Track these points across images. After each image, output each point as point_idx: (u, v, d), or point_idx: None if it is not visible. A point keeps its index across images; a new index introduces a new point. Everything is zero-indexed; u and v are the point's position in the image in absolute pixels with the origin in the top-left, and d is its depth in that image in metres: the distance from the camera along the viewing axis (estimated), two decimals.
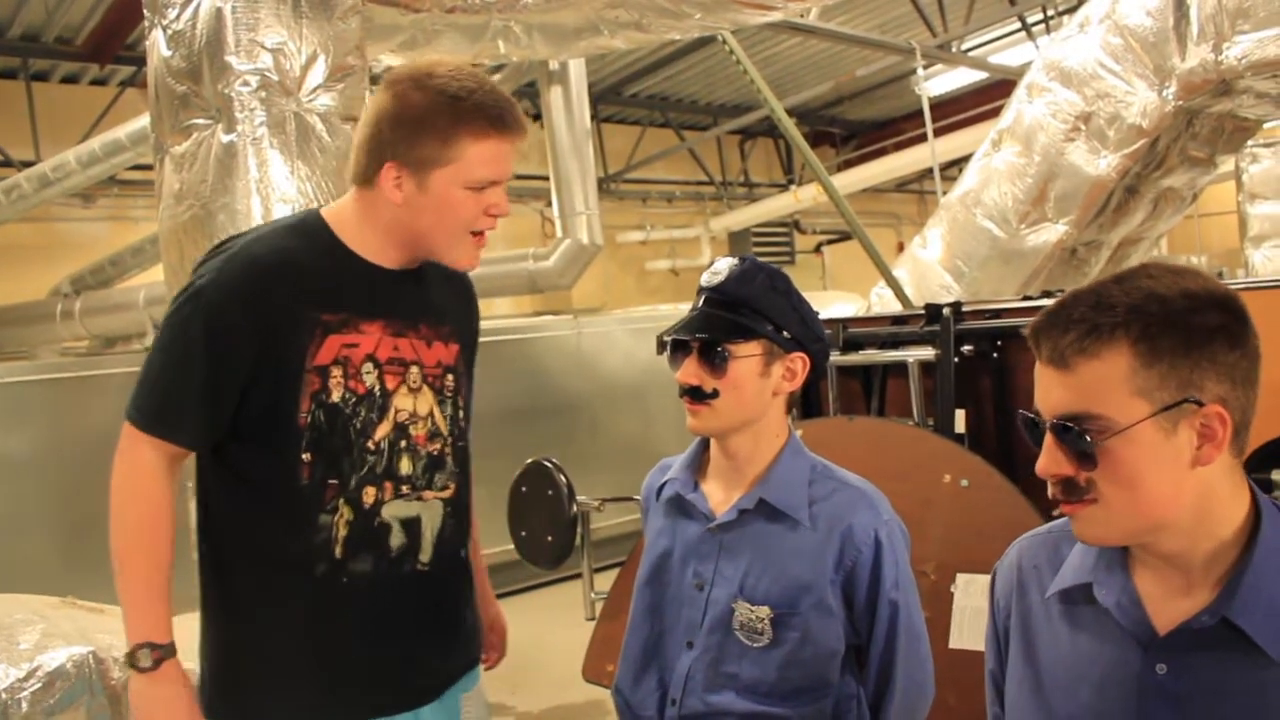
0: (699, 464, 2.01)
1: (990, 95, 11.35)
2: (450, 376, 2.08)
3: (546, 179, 8.20)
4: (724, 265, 1.93)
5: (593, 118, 8.90)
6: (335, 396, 1.88)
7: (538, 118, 8.54)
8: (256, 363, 1.84)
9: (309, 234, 1.94)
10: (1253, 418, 1.29)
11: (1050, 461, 1.29)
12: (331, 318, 1.88)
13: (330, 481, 1.89)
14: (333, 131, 3.32)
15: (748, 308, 1.86)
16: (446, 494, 2.06)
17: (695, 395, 1.86)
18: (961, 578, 2.72)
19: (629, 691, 2.01)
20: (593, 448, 7.95)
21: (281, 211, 3.21)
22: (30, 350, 9.24)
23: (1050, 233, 6.73)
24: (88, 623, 3.09)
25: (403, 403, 1.97)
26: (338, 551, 1.90)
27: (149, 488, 1.87)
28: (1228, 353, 1.25)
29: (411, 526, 1.99)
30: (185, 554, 1.95)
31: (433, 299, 2.05)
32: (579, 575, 4.00)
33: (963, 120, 11.24)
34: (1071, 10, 9.53)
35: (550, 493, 3.77)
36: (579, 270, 8.40)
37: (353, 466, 1.91)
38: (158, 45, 3.37)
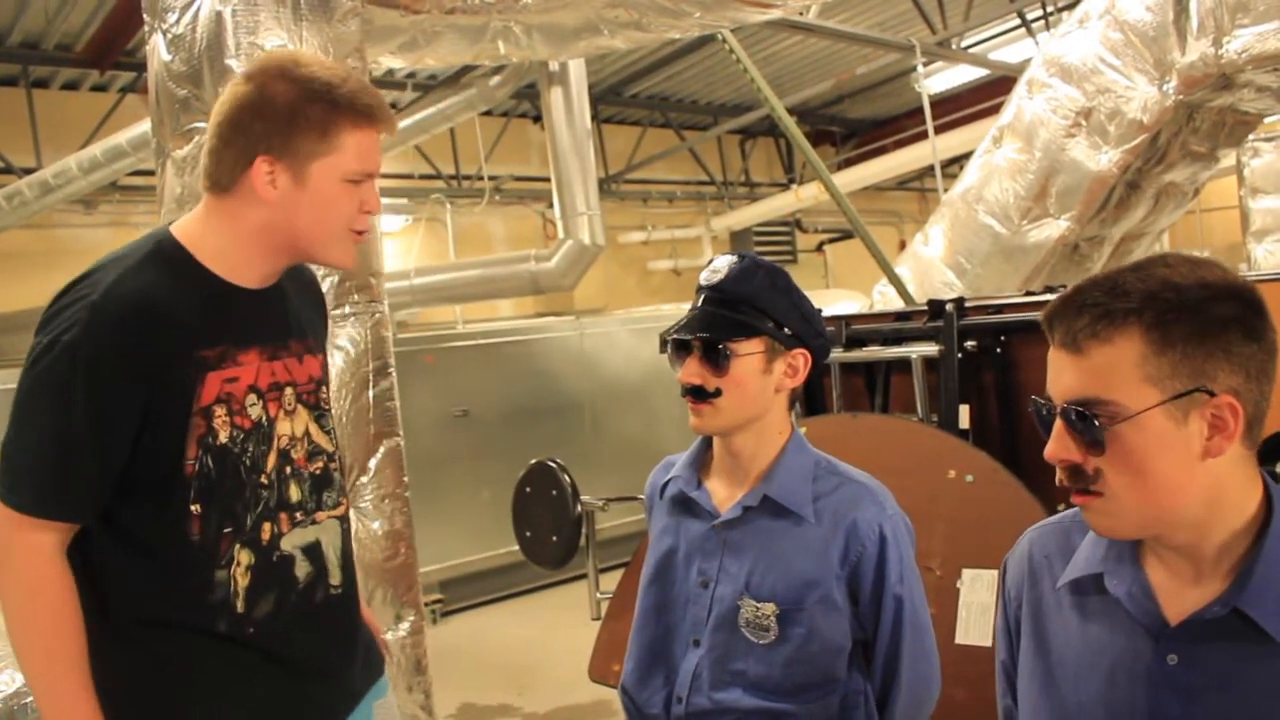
0: (702, 462, 2.01)
1: (990, 92, 11.34)
2: (322, 389, 1.99)
3: (547, 180, 8.19)
4: (723, 263, 1.93)
5: (593, 118, 8.90)
6: (223, 437, 1.77)
7: (538, 119, 8.53)
8: (143, 417, 1.70)
9: (168, 263, 1.78)
10: (1267, 410, 1.28)
11: (1059, 447, 1.28)
12: (210, 353, 1.76)
13: (225, 530, 1.79)
14: None
15: (748, 305, 1.87)
16: (339, 511, 1.98)
17: (698, 395, 1.86)
18: (967, 573, 2.72)
19: (635, 690, 2.01)
20: (596, 448, 7.97)
21: None
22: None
23: (1052, 229, 6.73)
24: None
25: (282, 428, 1.87)
26: (239, 606, 1.80)
27: (46, 575, 1.70)
28: (1243, 344, 1.24)
29: (313, 552, 1.91)
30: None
31: (295, 312, 1.96)
32: (584, 575, 4.00)
33: (963, 117, 11.24)
34: (1071, 6, 9.52)
35: (554, 493, 3.77)
36: (581, 271, 8.40)
37: (246, 507, 1.81)
38: (158, 50, 3.37)
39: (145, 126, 6.62)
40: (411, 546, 3.40)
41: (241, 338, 1.81)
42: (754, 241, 14.85)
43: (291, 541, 1.87)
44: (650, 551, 2.05)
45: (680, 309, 10.41)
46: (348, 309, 3.30)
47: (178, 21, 3.30)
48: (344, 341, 3.28)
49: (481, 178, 12.03)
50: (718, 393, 1.85)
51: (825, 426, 3.32)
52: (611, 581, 3.73)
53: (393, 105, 11.00)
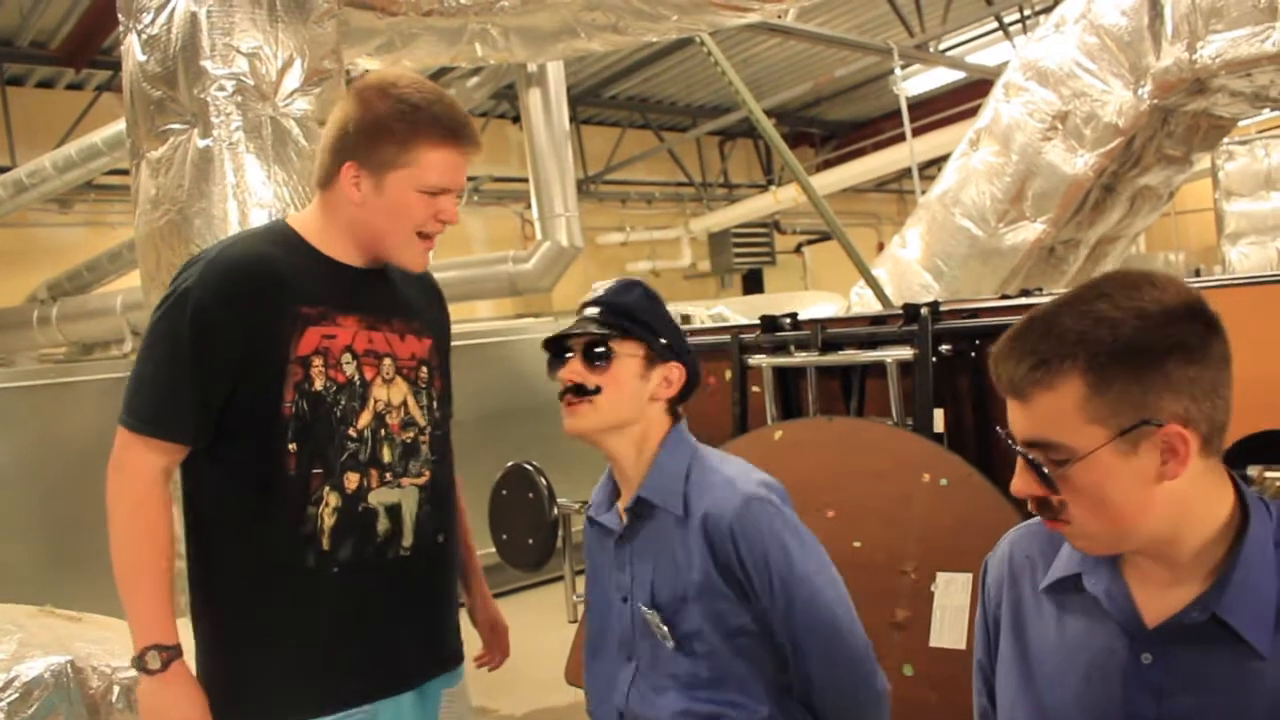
0: (613, 486, 2.05)
1: (968, 95, 11.40)
2: (424, 369, 2.16)
3: (526, 181, 8.19)
4: (603, 284, 2.04)
5: (572, 119, 8.90)
6: (318, 385, 1.96)
7: (516, 120, 8.52)
8: (243, 358, 1.91)
9: (280, 238, 2.03)
10: (1228, 419, 1.29)
11: (1023, 483, 1.32)
12: (310, 310, 1.97)
13: (315, 471, 1.96)
14: (309, 135, 3.31)
15: (627, 316, 1.93)
16: (421, 480, 2.13)
17: (578, 391, 1.91)
18: (941, 576, 2.73)
19: (593, 707, 2.06)
20: (573, 450, 7.90)
21: (258, 216, 3.20)
22: (7, 357, 9.19)
23: (1028, 231, 6.78)
24: (65, 632, 3.07)
25: (379, 393, 2.05)
26: (325, 543, 1.97)
27: (150, 493, 1.91)
28: (1184, 369, 1.24)
29: (394, 512, 2.07)
30: None
31: (402, 296, 2.15)
32: (561, 578, 3.99)
33: (941, 120, 11.30)
34: (1048, 10, 9.57)
35: (531, 495, 3.77)
36: (559, 272, 8.39)
37: (336, 454, 1.98)
38: (133, 50, 3.35)
39: (120, 126, 6.58)
40: None
41: (342, 304, 2.02)
42: (733, 243, 14.87)
43: (378, 498, 2.04)
44: (588, 583, 2.13)
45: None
46: None
47: (153, 22, 3.28)
48: None
49: None
50: (597, 390, 1.90)
51: (800, 430, 3.32)
52: None
53: None
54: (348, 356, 2.01)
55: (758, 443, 3.30)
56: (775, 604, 1.81)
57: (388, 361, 2.08)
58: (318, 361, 1.97)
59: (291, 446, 1.94)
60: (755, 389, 3.64)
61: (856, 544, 2.91)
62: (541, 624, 6.33)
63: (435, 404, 2.18)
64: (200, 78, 3.21)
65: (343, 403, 1.99)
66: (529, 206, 8.67)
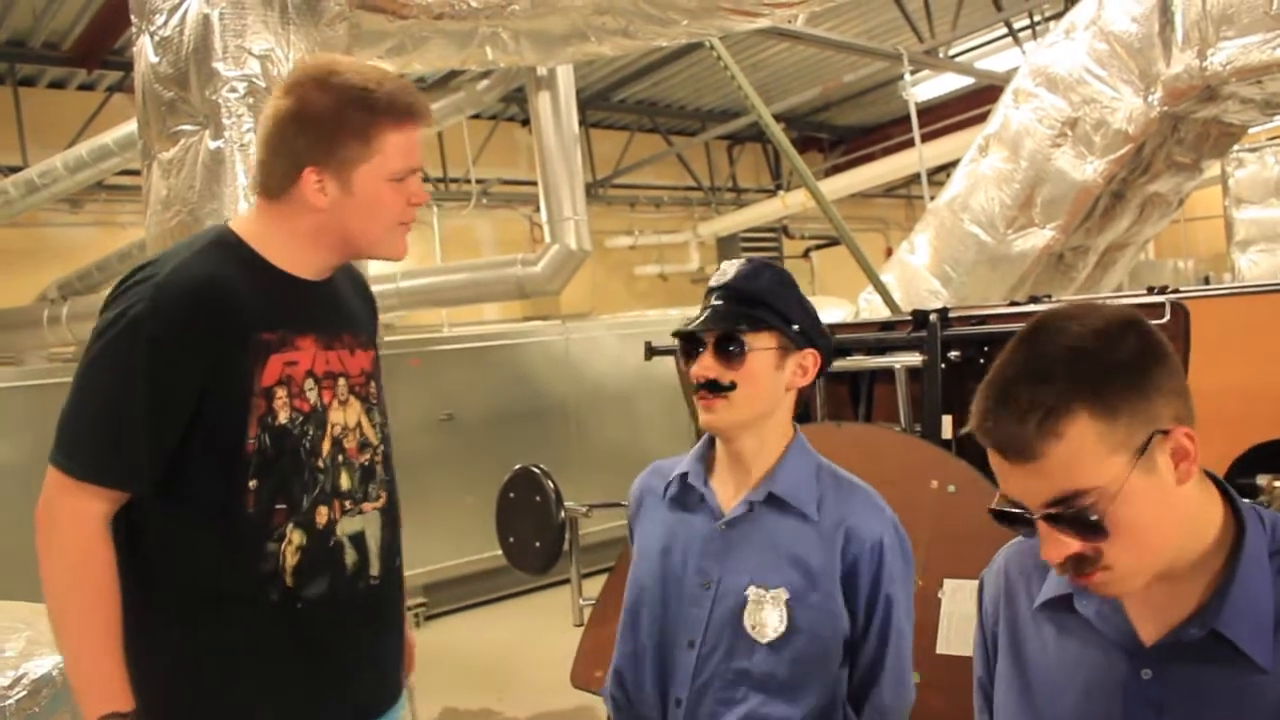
0: (708, 462, 2.00)
1: (977, 101, 11.38)
2: (372, 384, 2.04)
3: (534, 184, 8.19)
4: (731, 266, 1.94)
5: (581, 123, 8.91)
6: (282, 418, 1.83)
7: (526, 123, 8.52)
8: (202, 394, 1.75)
9: (231, 253, 1.85)
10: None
11: (1056, 548, 1.25)
12: (271, 336, 1.82)
13: (279, 507, 1.83)
14: None
15: (759, 302, 1.87)
16: (380, 503, 2.02)
17: (713, 388, 1.86)
18: (949, 583, 2.73)
19: (632, 690, 1.99)
20: (581, 453, 7.96)
21: None
22: (17, 356, 9.21)
23: (1037, 238, 6.76)
24: None
25: (335, 416, 1.93)
26: (288, 580, 1.84)
27: (93, 549, 1.74)
28: (1161, 371, 1.25)
29: (358, 541, 1.96)
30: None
31: (347, 307, 2.02)
32: (567, 580, 4.00)
33: (950, 126, 11.27)
34: (1058, 16, 9.56)
35: (538, 498, 3.77)
36: (567, 276, 8.39)
37: (304, 488, 1.86)
38: (145, 51, 3.36)
39: (132, 126, 6.60)
40: None
41: (299, 324, 1.87)
42: (740, 247, 14.85)
43: (343, 529, 1.92)
44: (639, 552, 2.04)
45: (667, 314, 10.37)
46: None
47: (165, 24, 3.30)
48: None
49: (469, 181, 12.03)
50: (732, 386, 1.85)
51: (809, 435, 3.31)
52: (594, 587, 3.73)
53: None
54: (310, 382, 1.87)
55: None
56: (876, 608, 1.86)
57: (342, 382, 1.94)
58: (281, 392, 1.82)
59: (252, 484, 1.79)
60: None
61: None
62: (547, 627, 6.34)
63: (382, 420, 2.06)
64: (212, 79, 3.22)
65: (310, 433, 1.86)
66: (537, 210, 8.68)
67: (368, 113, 1.80)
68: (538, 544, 3.79)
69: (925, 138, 8.99)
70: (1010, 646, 1.50)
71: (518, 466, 3.92)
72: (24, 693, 2.74)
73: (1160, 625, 1.33)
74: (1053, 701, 1.41)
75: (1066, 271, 7.27)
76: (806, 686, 1.84)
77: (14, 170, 8.73)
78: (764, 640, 1.84)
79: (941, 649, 2.68)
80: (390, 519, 2.04)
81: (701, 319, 1.89)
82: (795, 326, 1.89)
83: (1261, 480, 2.92)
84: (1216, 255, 13.17)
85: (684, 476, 1.99)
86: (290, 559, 1.84)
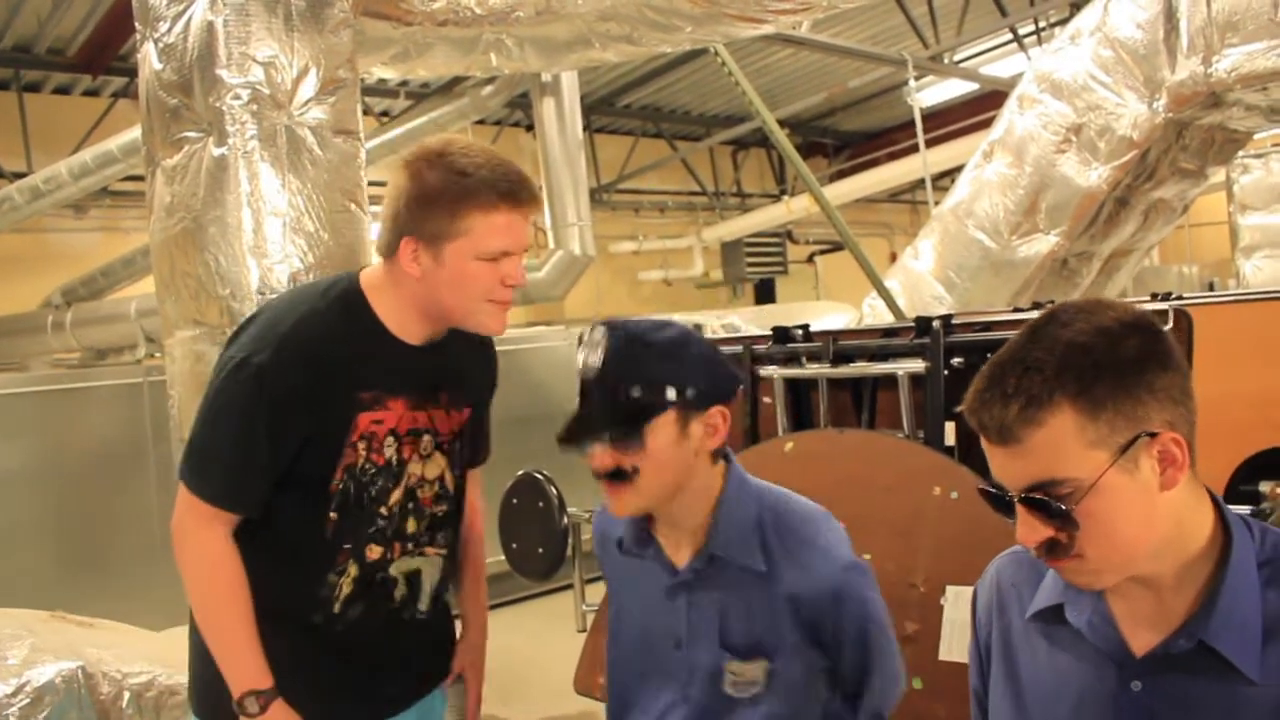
0: (644, 521, 1.92)
1: (982, 106, 11.38)
2: (459, 442, 2.19)
3: (539, 190, 8.20)
4: (596, 350, 1.74)
5: (585, 128, 8.91)
6: (359, 466, 2.01)
7: (530, 128, 8.52)
8: (308, 438, 1.95)
9: (351, 309, 2.02)
10: (1195, 428, 1.30)
11: (1029, 531, 1.28)
12: (367, 395, 1.99)
13: (345, 545, 2.03)
14: (324, 145, 3.31)
15: (640, 382, 1.70)
16: (445, 550, 2.20)
17: (616, 476, 1.74)
18: (951, 590, 2.72)
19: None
20: (584, 459, 7.94)
21: (273, 224, 3.20)
22: (22, 362, 9.23)
23: (1041, 244, 6.76)
24: (76, 637, 3.08)
25: (414, 469, 2.09)
26: (336, 606, 2.03)
27: (224, 557, 1.97)
28: (1160, 376, 1.25)
29: (413, 579, 2.14)
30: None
31: (454, 367, 2.13)
32: (570, 586, 4.00)
33: (955, 131, 11.28)
34: (1063, 22, 9.56)
35: (541, 505, 3.77)
36: (571, 281, 8.40)
37: (364, 529, 2.04)
38: (149, 58, 3.36)
39: (137, 132, 6.60)
40: None
41: (393, 387, 2.03)
42: (745, 252, 14.86)
43: (398, 567, 2.11)
44: (611, 604, 2.02)
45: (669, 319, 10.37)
46: None
47: (169, 30, 3.29)
48: None
49: None
50: (636, 471, 1.72)
51: (812, 441, 3.32)
52: (597, 593, 3.72)
53: (385, 114, 11.02)
54: (390, 439, 2.04)
55: (768, 454, 3.30)
56: (854, 661, 1.81)
57: (427, 438, 2.10)
58: (362, 446, 2.00)
59: (333, 515, 2.00)
60: (766, 400, 3.64)
61: (866, 556, 2.88)
62: (550, 632, 6.33)
63: (460, 472, 2.22)
64: (216, 86, 3.22)
65: (379, 484, 2.04)
66: (542, 215, 8.69)
67: (460, 193, 1.90)
68: (541, 550, 3.79)
69: (930, 143, 9.00)
70: (1003, 658, 1.51)
71: (521, 472, 3.92)
72: (27, 700, 2.74)
73: (1150, 637, 1.33)
74: (1045, 713, 1.42)
75: (1070, 277, 7.27)
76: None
77: (19, 176, 8.75)
78: (744, 696, 1.80)
79: (944, 656, 2.67)
80: (451, 563, 2.23)
81: (580, 426, 1.74)
82: (690, 393, 1.72)
83: (1264, 487, 2.92)
84: (1221, 261, 13.16)
85: (624, 538, 1.92)
86: (345, 589, 2.04)
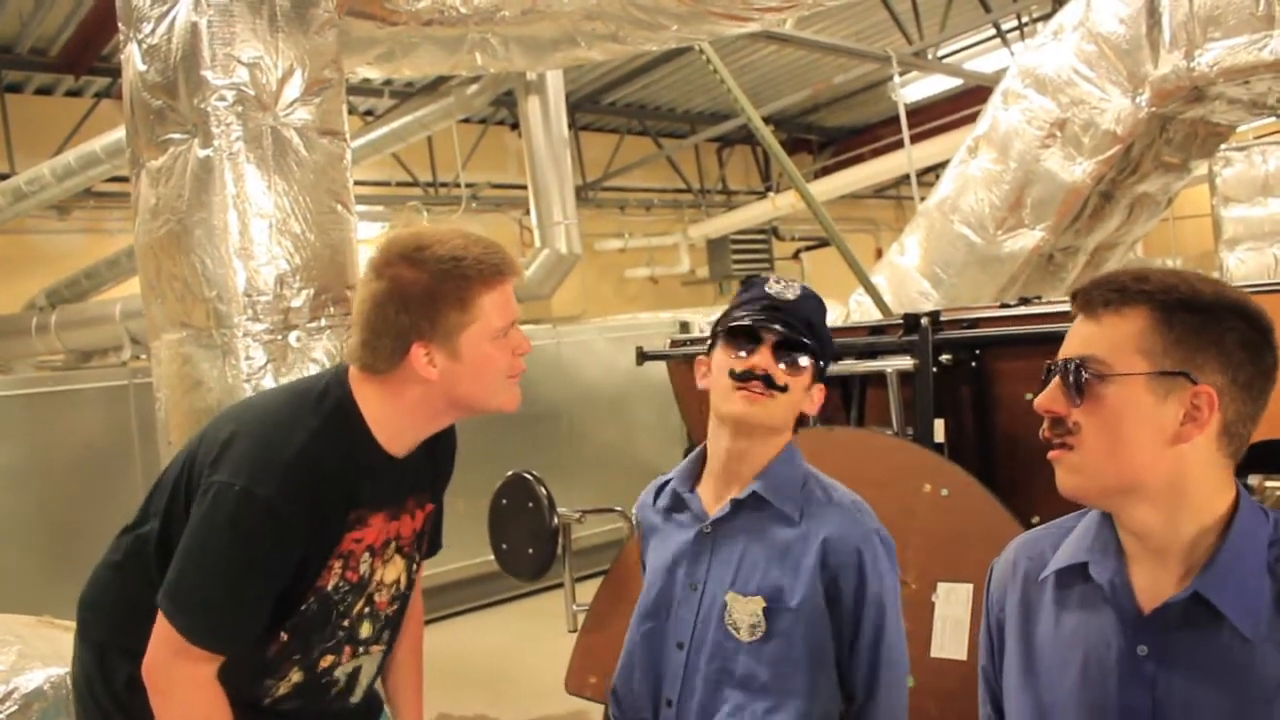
0: (696, 473, 2.04)
1: (966, 102, 11.40)
2: (420, 540, 2.15)
3: (524, 188, 8.20)
4: (790, 285, 1.96)
5: (571, 126, 8.91)
6: (330, 585, 1.93)
7: (515, 126, 8.52)
8: (299, 560, 1.87)
9: (349, 425, 1.91)
10: (1251, 429, 1.36)
11: (1048, 399, 1.39)
12: (354, 515, 1.92)
13: (294, 657, 1.96)
14: (309, 145, 3.31)
15: (814, 332, 1.92)
16: (387, 646, 2.16)
17: (768, 382, 1.87)
18: (942, 587, 2.73)
19: (623, 693, 2.03)
20: (573, 457, 7.95)
21: (259, 226, 3.19)
22: (5, 364, 9.18)
23: (1027, 239, 6.77)
24: (65, 642, 3.05)
25: (378, 576, 2.03)
26: (267, 703, 1.99)
27: (214, 705, 1.85)
28: (1238, 351, 1.32)
29: (352, 676, 2.09)
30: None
31: (423, 467, 2.07)
32: (560, 585, 3.99)
33: (939, 127, 11.29)
34: (1046, 17, 9.58)
35: (531, 505, 3.76)
36: (558, 279, 8.39)
37: (321, 642, 1.98)
38: (133, 59, 3.35)
39: (120, 133, 6.58)
40: None
41: (377, 503, 1.96)
42: (731, 249, 14.86)
43: (343, 669, 2.05)
44: (649, 563, 2.09)
45: (658, 317, 10.31)
46: (324, 322, 3.29)
47: (153, 31, 3.28)
48: (320, 354, 3.27)
49: (458, 185, 12.02)
50: (784, 389, 1.88)
51: (801, 439, 3.31)
52: (587, 593, 3.72)
53: (369, 113, 10.99)
54: (366, 555, 1.97)
55: None
56: (865, 618, 1.87)
57: (391, 545, 2.03)
58: (337, 564, 1.93)
59: (284, 635, 1.92)
60: None
61: None
62: (540, 632, 6.33)
63: (418, 567, 2.18)
64: (200, 87, 3.21)
65: (349, 599, 1.98)
66: (527, 213, 8.68)
67: (462, 280, 1.84)
68: (531, 550, 3.78)
69: (914, 139, 9.01)
70: (1020, 627, 1.55)
71: (510, 472, 3.91)
72: (15, 707, 2.73)
73: (1159, 601, 1.37)
74: (1053, 681, 1.46)
75: (1056, 272, 7.29)
76: (790, 690, 1.85)
77: (2, 178, 8.70)
78: (748, 640, 1.86)
79: (935, 653, 2.68)
80: (387, 657, 2.18)
81: (767, 317, 1.89)
82: (822, 364, 1.96)
83: (1253, 480, 2.93)
84: (1204, 254, 13.21)
85: (669, 484, 2.05)
86: (282, 689, 1.98)
